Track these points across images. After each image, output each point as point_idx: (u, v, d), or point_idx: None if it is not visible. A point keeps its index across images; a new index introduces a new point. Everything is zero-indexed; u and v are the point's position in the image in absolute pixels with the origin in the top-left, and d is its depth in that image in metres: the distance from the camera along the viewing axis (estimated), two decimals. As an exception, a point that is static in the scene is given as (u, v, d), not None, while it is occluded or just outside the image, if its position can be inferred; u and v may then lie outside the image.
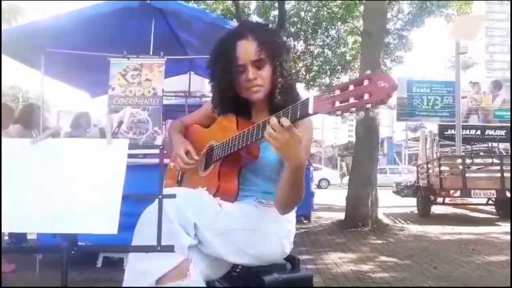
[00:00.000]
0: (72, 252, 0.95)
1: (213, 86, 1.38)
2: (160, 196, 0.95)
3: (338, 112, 0.92)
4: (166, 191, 1.05)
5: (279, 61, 1.29)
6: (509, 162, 7.17)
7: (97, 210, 0.96)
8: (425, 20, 11.02)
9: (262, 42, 1.27)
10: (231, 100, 1.34)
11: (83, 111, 4.96)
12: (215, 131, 1.41)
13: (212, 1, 11.63)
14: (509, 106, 14.87)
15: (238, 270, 1.32)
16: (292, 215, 1.41)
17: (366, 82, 0.89)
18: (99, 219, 0.95)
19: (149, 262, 1.07)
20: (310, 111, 0.98)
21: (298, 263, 1.43)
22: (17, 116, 3.91)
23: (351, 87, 0.91)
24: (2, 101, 4.62)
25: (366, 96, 0.88)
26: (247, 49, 1.27)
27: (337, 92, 0.93)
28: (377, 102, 0.87)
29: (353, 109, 0.90)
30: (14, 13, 28.78)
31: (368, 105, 0.88)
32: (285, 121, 1.02)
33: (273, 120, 1.05)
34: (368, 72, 0.90)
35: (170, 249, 0.91)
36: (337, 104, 0.92)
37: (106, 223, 0.94)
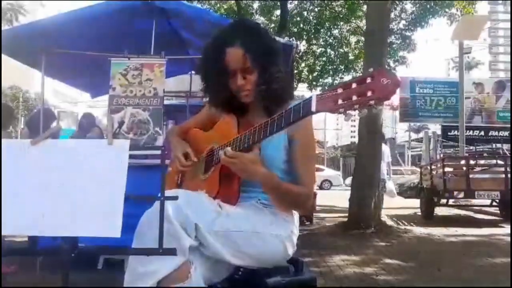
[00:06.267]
0: (73, 255, 0.93)
1: (206, 89, 1.39)
2: (162, 198, 0.93)
3: (341, 110, 0.93)
4: (167, 193, 1.04)
5: (265, 68, 1.29)
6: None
7: (99, 213, 0.94)
8: (428, 20, 10.97)
9: (249, 51, 1.27)
10: (226, 100, 1.35)
11: (88, 112, 4.98)
12: (216, 134, 1.40)
13: (216, 0, 11.63)
14: (512, 107, 14.81)
15: (240, 272, 1.29)
16: (295, 217, 1.39)
17: (369, 80, 0.89)
18: (102, 221, 0.93)
19: (149, 264, 1.06)
20: (313, 109, 0.99)
21: (302, 265, 1.41)
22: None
23: (354, 85, 0.92)
24: (2, 101, 4.63)
25: (369, 93, 0.88)
26: (235, 57, 1.28)
27: (340, 90, 0.94)
28: (380, 99, 0.88)
29: (356, 106, 0.90)
30: (15, 13, 28.93)
31: (371, 102, 0.88)
32: (228, 152, 1.16)
33: (227, 150, 1.17)
34: (371, 70, 0.90)
35: (172, 252, 0.89)
36: (340, 102, 0.93)
37: (109, 226, 0.92)
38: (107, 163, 1.00)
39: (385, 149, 7.56)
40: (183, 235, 1.09)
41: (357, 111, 0.92)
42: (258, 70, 1.30)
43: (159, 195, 0.97)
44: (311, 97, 1.01)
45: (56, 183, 0.99)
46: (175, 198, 0.98)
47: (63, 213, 0.95)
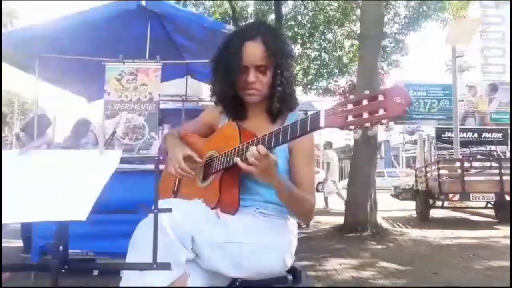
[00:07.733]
0: (63, 270, 0.89)
1: (214, 82, 1.36)
2: (155, 211, 0.90)
3: (352, 127, 0.90)
4: (161, 203, 1.01)
5: (281, 70, 1.27)
6: (508, 165, 7.14)
7: (70, 198, 0.88)
8: (421, 24, 11.04)
9: (269, 49, 1.25)
10: (230, 98, 1.33)
11: (83, 117, 4.90)
12: (216, 141, 1.36)
13: (210, 1, 11.62)
14: (506, 109, 14.95)
15: (237, 284, 1.27)
16: (293, 226, 1.36)
17: (381, 97, 0.87)
18: (70, 206, 0.87)
19: (144, 278, 1.01)
20: (322, 124, 0.96)
21: (300, 275, 1.38)
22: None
23: (365, 102, 0.89)
24: None
25: (381, 112, 0.86)
26: (253, 52, 1.26)
27: (350, 106, 0.91)
28: (392, 118, 0.85)
29: (367, 124, 0.88)
30: (10, 17, 28.77)
31: (384, 121, 0.86)
32: (262, 149, 1.07)
33: (252, 149, 1.08)
34: (384, 87, 0.89)
35: (166, 267, 0.86)
36: (350, 118, 0.90)
37: (76, 210, 0.85)
38: (94, 170, 0.96)
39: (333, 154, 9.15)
40: (180, 248, 1.05)
41: (368, 129, 0.91)
42: (273, 72, 1.28)
43: (152, 207, 0.93)
44: (319, 111, 0.98)
45: (39, 187, 0.94)
46: (168, 210, 0.95)
47: (36, 200, 0.90)
